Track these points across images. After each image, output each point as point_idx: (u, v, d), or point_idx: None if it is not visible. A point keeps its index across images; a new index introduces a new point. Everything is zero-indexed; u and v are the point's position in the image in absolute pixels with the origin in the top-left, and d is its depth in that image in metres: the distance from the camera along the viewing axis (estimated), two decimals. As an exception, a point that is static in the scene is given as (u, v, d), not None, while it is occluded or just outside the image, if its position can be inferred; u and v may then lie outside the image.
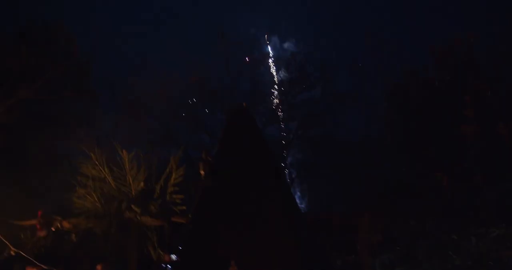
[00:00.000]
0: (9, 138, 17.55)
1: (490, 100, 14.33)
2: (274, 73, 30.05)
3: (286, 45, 35.72)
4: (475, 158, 14.03)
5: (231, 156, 11.96)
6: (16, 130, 18.03)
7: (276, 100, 29.36)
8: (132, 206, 11.44)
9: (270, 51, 32.08)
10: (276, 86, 29.41)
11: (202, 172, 11.82)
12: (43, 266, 9.91)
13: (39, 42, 18.86)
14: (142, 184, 11.69)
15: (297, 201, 28.54)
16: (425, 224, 13.52)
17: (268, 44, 36.39)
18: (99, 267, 10.20)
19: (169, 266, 11.93)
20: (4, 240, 10.45)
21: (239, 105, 14.26)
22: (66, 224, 11.38)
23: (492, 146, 13.81)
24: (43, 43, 19.09)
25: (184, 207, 11.84)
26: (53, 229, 11.28)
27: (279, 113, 29.04)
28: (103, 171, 11.72)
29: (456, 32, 16.15)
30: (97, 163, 11.69)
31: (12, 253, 10.33)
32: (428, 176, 13.98)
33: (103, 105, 23.91)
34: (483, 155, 13.86)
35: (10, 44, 18.10)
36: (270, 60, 30.37)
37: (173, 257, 11.86)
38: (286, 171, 29.02)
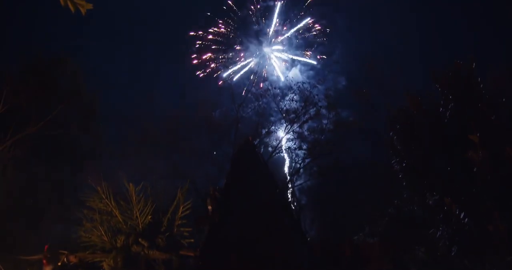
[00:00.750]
0: (16, 172, 17.72)
1: (495, 124, 14.26)
2: (280, 103, 30.35)
3: (291, 74, 36.36)
4: (483, 183, 13.86)
5: (238, 191, 12.01)
6: (23, 164, 18.20)
7: (283, 129, 29.52)
8: (140, 239, 11.36)
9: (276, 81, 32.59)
10: (282, 115, 29.63)
11: (209, 207, 11.81)
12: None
13: (46, 78, 19.27)
14: (149, 217, 11.65)
15: (307, 227, 28.33)
16: (436, 251, 13.26)
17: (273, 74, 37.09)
18: None
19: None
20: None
21: (245, 141, 14.52)
22: (72, 258, 11.29)
23: (500, 170, 13.66)
24: (51, 78, 19.50)
25: (192, 240, 11.76)
26: (59, 264, 11.19)
27: (286, 142, 29.15)
28: (109, 204, 11.70)
29: (457, 56, 16.27)
30: (103, 196, 11.68)
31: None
32: (437, 202, 13.81)
33: (110, 138, 24.25)
34: (492, 180, 13.70)
35: (18, 80, 18.51)
36: (276, 90, 30.73)
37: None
38: (295, 199, 28.87)
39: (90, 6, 3.48)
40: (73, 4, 3.41)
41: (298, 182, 29.93)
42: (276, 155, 29.40)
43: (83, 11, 3.46)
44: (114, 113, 27.31)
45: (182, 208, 11.78)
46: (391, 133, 15.79)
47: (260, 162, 13.39)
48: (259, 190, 11.81)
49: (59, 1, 3.51)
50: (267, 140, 29.63)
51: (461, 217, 13.06)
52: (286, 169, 30.56)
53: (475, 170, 13.25)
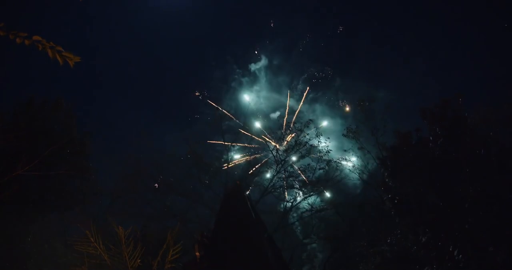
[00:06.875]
0: (4, 214, 17.33)
1: (484, 158, 14.38)
2: (271, 144, 30.52)
3: (279, 114, 36.74)
4: (476, 218, 13.82)
5: (226, 237, 11.90)
6: (12, 206, 17.81)
7: (273, 169, 29.42)
8: (128, 283, 11.06)
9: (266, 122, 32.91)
10: (273, 156, 29.63)
11: (197, 254, 11.61)
12: None
13: (38, 119, 19.19)
14: (138, 260, 11.39)
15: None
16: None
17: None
18: None
19: None
20: None
21: (233, 186, 14.56)
22: None
23: (491, 204, 13.67)
24: (43, 119, 19.42)
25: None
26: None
27: (277, 182, 28.97)
28: (98, 247, 11.44)
29: (445, 93, 16.65)
30: (92, 240, 11.44)
31: None
32: (430, 239, 13.68)
33: (101, 177, 23.98)
34: (484, 214, 13.65)
35: (9, 120, 18.40)
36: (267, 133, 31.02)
37: None
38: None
39: (78, 59, 3.55)
40: (61, 57, 3.48)
41: (291, 221, 29.66)
42: (269, 194, 29.19)
43: (71, 63, 3.53)
44: (107, 152, 27.19)
45: (172, 251, 11.55)
46: (382, 170, 15.85)
47: (248, 207, 13.33)
48: (247, 235, 11.70)
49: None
50: (259, 179, 29.54)
51: (455, 254, 12.94)
52: (279, 206, 30.36)
53: (466, 206, 13.27)
